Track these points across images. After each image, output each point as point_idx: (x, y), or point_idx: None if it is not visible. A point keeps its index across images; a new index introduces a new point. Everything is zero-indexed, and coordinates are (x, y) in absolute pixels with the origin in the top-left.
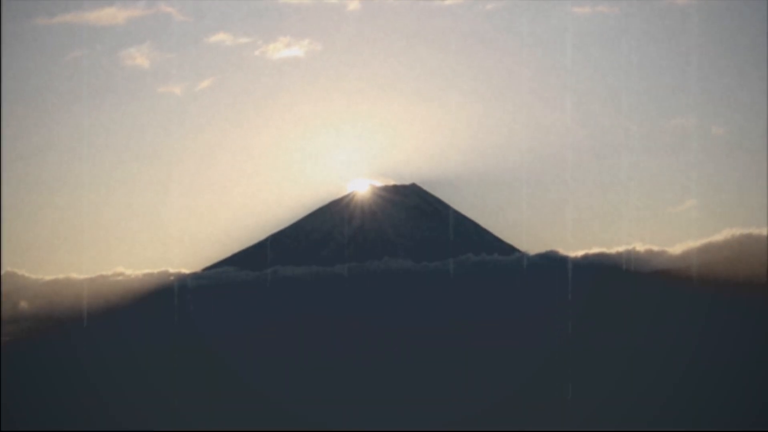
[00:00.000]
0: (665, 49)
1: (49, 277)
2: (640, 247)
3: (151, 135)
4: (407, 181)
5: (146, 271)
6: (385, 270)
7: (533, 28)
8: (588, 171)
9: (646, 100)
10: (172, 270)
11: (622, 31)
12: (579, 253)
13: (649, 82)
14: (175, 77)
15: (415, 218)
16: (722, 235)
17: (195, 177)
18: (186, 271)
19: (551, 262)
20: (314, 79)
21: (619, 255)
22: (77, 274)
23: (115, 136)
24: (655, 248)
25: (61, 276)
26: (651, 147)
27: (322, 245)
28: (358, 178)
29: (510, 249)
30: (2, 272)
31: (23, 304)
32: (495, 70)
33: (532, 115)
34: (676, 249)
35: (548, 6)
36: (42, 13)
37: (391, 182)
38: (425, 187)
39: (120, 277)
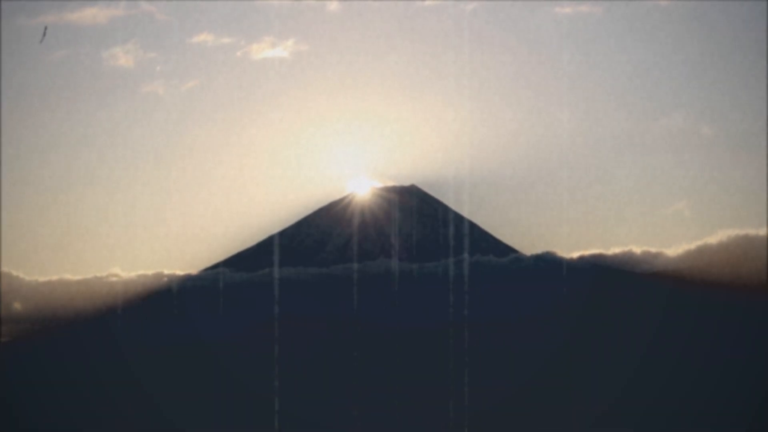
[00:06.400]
0: (650, 50)
1: (43, 279)
2: (637, 248)
3: (141, 135)
4: (407, 182)
5: (141, 272)
6: (384, 271)
7: (515, 29)
8: (585, 172)
9: (633, 100)
10: (167, 271)
11: (605, 31)
12: (575, 254)
13: (635, 82)
14: (158, 77)
15: (414, 219)
16: (717, 236)
17: (190, 178)
18: (181, 272)
19: (548, 263)
20: (305, 79)
21: (615, 256)
22: (72, 276)
23: (106, 138)
24: (653, 250)
25: (55, 277)
26: (641, 148)
27: (320, 246)
28: (358, 179)
29: (507, 250)
30: None
31: (18, 306)
32: (484, 71)
33: (525, 118)
34: (673, 251)
35: (529, 6)
36: (23, 13)
37: (391, 183)
38: (425, 189)
39: (114, 279)
